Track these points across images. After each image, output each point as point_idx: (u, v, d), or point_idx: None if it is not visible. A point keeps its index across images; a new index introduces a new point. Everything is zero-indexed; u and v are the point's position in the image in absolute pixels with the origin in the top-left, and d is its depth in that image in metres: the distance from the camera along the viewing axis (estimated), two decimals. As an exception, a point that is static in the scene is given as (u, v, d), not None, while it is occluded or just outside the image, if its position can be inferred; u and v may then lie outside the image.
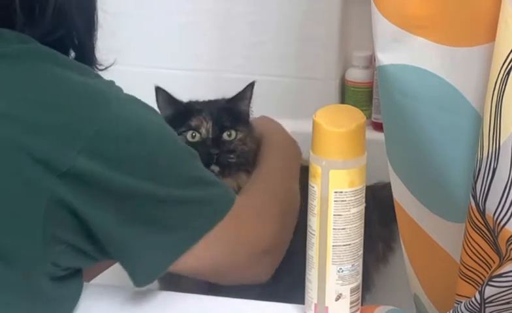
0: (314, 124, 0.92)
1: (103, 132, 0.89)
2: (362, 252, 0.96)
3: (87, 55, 1.02)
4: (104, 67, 1.05)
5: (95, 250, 0.94)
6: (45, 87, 0.90)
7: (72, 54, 1.01)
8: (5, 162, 0.87)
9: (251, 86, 1.31)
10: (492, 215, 0.83)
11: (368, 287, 1.40)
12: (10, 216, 0.87)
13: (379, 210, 1.39)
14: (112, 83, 0.94)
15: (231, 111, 1.30)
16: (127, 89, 0.95)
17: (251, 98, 1.32)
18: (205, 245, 0.98)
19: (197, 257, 0.98)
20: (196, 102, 1.33)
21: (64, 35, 0.97)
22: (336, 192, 0.92)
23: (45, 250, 0.89)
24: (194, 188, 0.97)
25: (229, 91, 1.33)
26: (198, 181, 0.98)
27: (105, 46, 1.06)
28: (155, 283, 1.32)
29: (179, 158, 0.97)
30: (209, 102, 1.33)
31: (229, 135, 1.28)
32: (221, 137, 1.27)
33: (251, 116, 1.33)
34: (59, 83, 0.91)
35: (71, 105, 0.89)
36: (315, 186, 0.93)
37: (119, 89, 0.94)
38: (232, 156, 1.26)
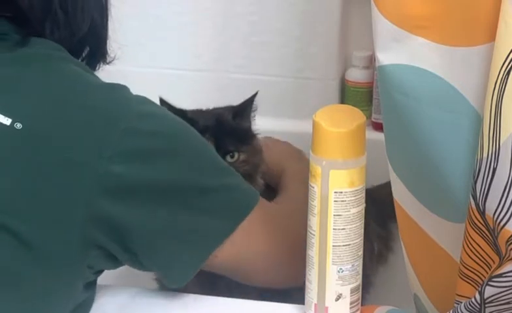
0: (314, 124, 0.92)
1: (130, 130, 0.89)
2: (362, 252, 0.96)
3: (101, 47, 1.03)
4: (112, 59, 1.05)
5: (127, 258, 0.94)
6: (72, 89, 0.90)
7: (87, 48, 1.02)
8: (43, 170, 0.86)
9: (253, 97, 1.31)
10: (491, 215, 0.83)
11: (366, 288, 1.40)
12: (49, 221, 0.87)
13: (376, 209, 1.39)
14: (124, 86, 0.95)
15: (235, 132, 1.29)
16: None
17: (254, 109, 1.32)
18: (243, 238, 0.98)
19: (237, 252, 0.99)
20: (201, 115, 1.31)
21: (86, 31, 0.99)
22: (335, 192, 0.92)
23: (82, 254, 0.89)
24: (224, 176, 0.98)
25: (229, 92, 1.33)
26: (226, 169, 0.99)
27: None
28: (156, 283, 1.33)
29: (204, 148, 0.98)
30: (215, 118, 1.31)
31: (232, 157, 1.27)
32: (224, 160, 1.26)
33: (252, 125, 1.33)
34: (87, 86, 0.92)
35: (98, 108, 0.90)
36: (315, 186, 0.93)
37: (129, 90, 0.95)
38: None
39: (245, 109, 1.31)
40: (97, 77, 0.98)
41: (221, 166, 0.99)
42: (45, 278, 0.88)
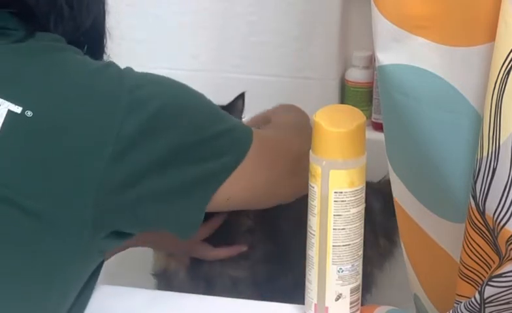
0: (314, 124, 0.92)
1: (131, 105, 0.92)
2: (362, 252, 0.96)
3: (100, 44, 1.06)
4: (107, 58, 1.08)
5: (137, 229, 0.98)
6: (75, 78, 0.94)
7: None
8: (54, 157, 0.89)
9: (241, 97, 1.30)
10: (491, 215, 0.83)
11: (369, 289, 1.39)
12: (60, 205, 0.89)
13: (382, 204, 1.38)
14: (112, 62, 0.99)
15: None
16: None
17: (242, 110, 1.31)
18: (248, 168, 1.02)
19: (247, 182, 1.03)
20: None
21: (88, 27, 1.02)
22: (335, 192, 0.92)
23: (93, 235, 0.91)
24: (222, 122, 1.02)
25: (228, 92, 1.33)
26: (223, 115, 1.03)
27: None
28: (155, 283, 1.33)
29: (201, 100, 1.02)
30: None
31: None
32: None
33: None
34: (87, 73, 0.95)
35: (98, 93, 0.93)
36: (315, 186, 0.93)
37: (117, 65, 0.99)
38: None
39: (229, 109, 1.31)
40: (92, 61, 1.00)
41: (218, 113, 1.03)
42: (54, 258, 0.90)
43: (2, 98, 0.89)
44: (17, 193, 0.88)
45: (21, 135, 0.89)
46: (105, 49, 1.08)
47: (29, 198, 0.88)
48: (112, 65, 0.97)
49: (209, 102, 1.03)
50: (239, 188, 1.02)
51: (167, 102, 0.96)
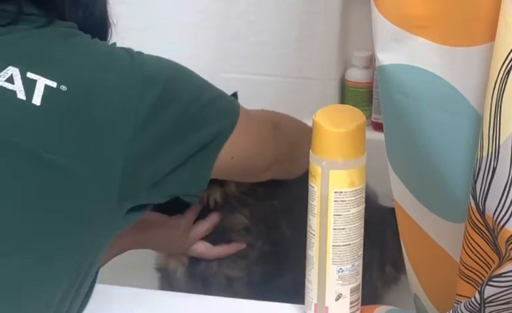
0: (314, 124, 0.92)
1: (144, 82, 0.97)
2: (362, 252, 0.96)
3: (105, 35, 1.09)
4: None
5: (155, 200, 1.03)
6: (96, 56, 0.99)
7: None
8: (88, 127, 0.94)
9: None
10: (491, 215, 0.83)
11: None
12: (91, 171, 0.93)
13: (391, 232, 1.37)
14: (114, 43, 1.05)
15: None
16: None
17: None
18: (242, 128, 1.07)
19: (244, 141, 1.08)
20: None
21: (98, 16, 1.08)
22: (335, 192, 0.92)
23: (116, 215, 0.96)
24: (213, 89, 1.07)
25: (228, 92, 1.33)
26: (211, 84, 1.08)
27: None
28: (155, 283, 1.33)
29: (192, 73, 1.07)
30: None
31: None
32: None
33: None
34: (105, 53, 1.00)
35: (116, 67, 0.99)
36: (315, 186, 0.93)
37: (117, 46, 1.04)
38: None
39: None
40: (103, 42, 1.05)
41: (207, 82, 1.08)
42: (78, 227, 0.93)
43: (37, 74, 0.94)
44: (56, 155, 0.92)
45: (59, 108, 0.94)
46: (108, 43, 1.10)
47: (67, 158, 0.92)
48: (116, 46, 1.04)
49: (196, 74, 1.08)
50: (239, 147, 1.07)
51: (169, 76, 1.01)
